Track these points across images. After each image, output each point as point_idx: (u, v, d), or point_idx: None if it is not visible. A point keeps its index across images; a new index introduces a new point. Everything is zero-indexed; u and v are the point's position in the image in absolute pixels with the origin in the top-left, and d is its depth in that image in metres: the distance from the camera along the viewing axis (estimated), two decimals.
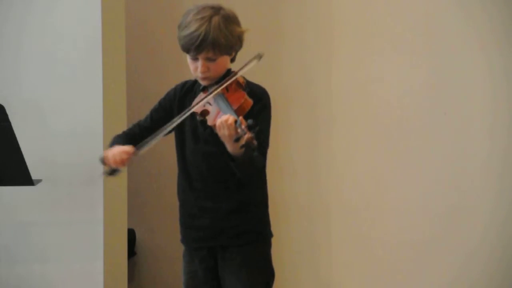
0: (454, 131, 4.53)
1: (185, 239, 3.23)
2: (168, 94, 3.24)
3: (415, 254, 4.59)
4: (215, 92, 3.02)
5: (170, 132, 3.13)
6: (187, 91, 3.20)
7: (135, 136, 3.18)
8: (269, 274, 3.19)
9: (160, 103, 3.24)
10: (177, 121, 3.07)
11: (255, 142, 2.81)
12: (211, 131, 3.05)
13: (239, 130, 2.84)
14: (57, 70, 4.18)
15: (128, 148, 3.07)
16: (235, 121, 2.85)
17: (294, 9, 4.79)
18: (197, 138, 3.14)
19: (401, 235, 4.61)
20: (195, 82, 3.19)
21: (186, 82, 3.23)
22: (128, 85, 4.35)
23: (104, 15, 4.14)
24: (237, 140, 2.84)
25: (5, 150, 3.59)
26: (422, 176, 4.58)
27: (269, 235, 3.21)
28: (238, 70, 3.05)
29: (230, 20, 3.08)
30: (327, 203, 4.72)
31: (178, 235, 3.26)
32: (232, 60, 3.15)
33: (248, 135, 2.81)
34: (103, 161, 3.11)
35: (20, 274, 4.22)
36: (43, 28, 4.19)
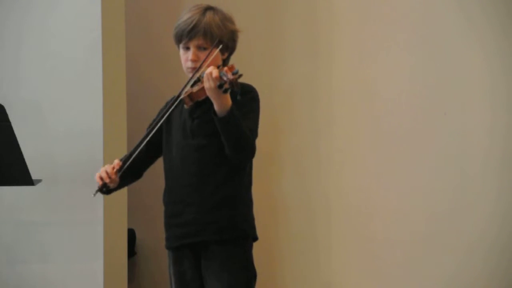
0: (454, 131, 4.53)
1: (169, 240, 3.20)
2: (161, 109, 3.23)
3: (415, 253, 4.59)
4: (201, 70, 3.01)
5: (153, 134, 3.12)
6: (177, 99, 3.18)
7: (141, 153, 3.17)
8: (250, 275, 3.14)
9: (154, 119, 3.22)
10: (165, 115, 3.07)
11: (238, 85, 2.84)
12: (199, 123, 3.07)
13: (224, 78, 2.85)
14: (57, 70, 4.19)
15: (115, 162, 3.12)
16: (219, 72, 2.87)
17: (295, 9, 4.79)
18: (185, 133, 3.12)
19: (401, 234, 4.61)
20: None
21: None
22: (128, 85, 4.35)
23: (104, 15, 4.14)
24: (221, 86, 2.86)
25: (5, 150, 3.59)
26: (422, 175, 4.58)
27: (251, 236, 3.16)
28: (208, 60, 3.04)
29: (224, 16, 3.14)
30: (327, 203, 4.72)
31: None
32: (225, 61, 3.13)
33: (231, 77, 2.83)
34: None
35: (20, 274, 4.22)
36: (43, 28, 4.19)
